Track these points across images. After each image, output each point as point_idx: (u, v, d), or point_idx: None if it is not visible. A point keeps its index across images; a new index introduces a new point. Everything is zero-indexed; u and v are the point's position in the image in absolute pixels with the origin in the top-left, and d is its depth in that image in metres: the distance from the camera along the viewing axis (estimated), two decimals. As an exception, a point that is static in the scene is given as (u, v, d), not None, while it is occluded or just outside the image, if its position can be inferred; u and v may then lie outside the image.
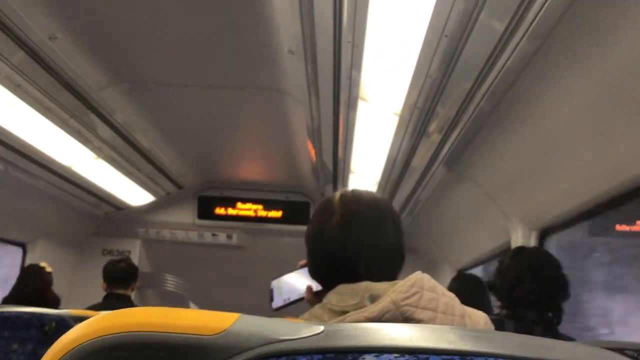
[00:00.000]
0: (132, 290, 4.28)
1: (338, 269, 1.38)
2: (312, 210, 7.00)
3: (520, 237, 3.65)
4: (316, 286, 1.49)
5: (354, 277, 1.35)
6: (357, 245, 1.38)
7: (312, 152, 5.25)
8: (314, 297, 1.48)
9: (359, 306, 1.29)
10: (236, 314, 0.70)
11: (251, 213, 7.00)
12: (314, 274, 1.47)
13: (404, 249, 1.45)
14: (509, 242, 3.81)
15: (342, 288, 1.35)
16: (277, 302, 1.65)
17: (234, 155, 6.18)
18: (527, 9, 2.18)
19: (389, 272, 1.39)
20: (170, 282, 7.34)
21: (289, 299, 1.64)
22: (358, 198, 1.45)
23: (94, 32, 3.55)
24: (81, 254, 6.87)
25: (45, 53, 3.44)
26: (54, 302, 3.93)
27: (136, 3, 3.28)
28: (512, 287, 2.47)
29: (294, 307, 1.63)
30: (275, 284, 1.68)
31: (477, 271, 5.05)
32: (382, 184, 4.93)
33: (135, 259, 6.92)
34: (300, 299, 1.59)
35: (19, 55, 3.37)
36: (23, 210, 5.41)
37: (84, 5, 3.28)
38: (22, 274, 4.22)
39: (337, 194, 1.47)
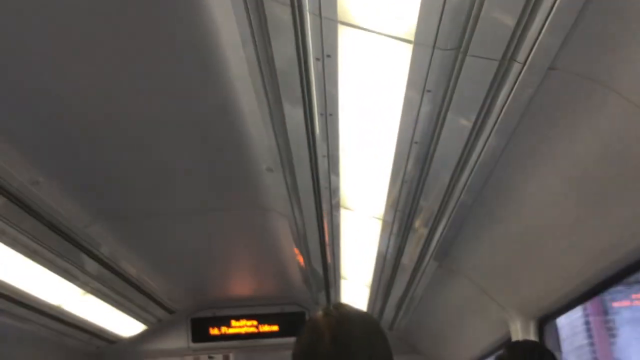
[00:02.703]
0: None
1: None
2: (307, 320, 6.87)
3: (520, 328, 3.60)
4: None
5: None
6: None
7: (302, 262, 5.23)
8: None
9: None
10: None
11: (246, 330, 6.85)
12: None
13: None
14: (508, 334, 3.76)
15: None
16: None
17: (224, 274, 6.14)
18: (490, 107, 2.27)
19: None
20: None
21: None
22: (345, 317, 1.43)
23: (75, 174, 3.61)
24: (77, 395, 6.61)
25: (27, 197, 3.48)
26: None
27: (114, 139, 3.36)
28: None
29: None
30: None
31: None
32: (375, 285, 4.90)
33: (132, 392, 6.68)
34: None
35: (1, 202, 3.40)
36: (13, 357, 5.25)
37: (63, 149, 3.36)
38: None
39: (321, 314, 1.45)
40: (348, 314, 1.44)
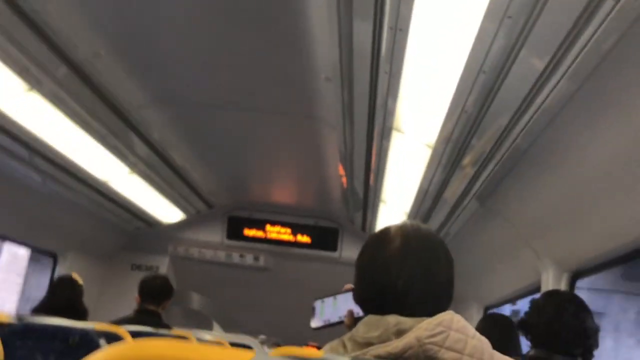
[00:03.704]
0: (163, 308, 4.29)
1: (385, 299, 1.36)
2: (340, 237, 6.98)
3: (551, 279, 3.57)
4: (357, 312, 1.49)
5: (399, 310, 1.33)
6: (409, 278, 1.37)
7: (344, 179, 5.25)
8: (353, 323, 1.47)
9: (382, 339, 1.27)
10: (251, 353, 0.69)
11: (280, 236, 7.00)
12: (358, 300, 1.45)
13: (453, 288, 1.43)
14: (538, 282, 3.74)
15: (370, 319, 1.33)
16: (317, 322, 1.66)
17: (265, 178, 6.21)
18: (568, 48, 2.16)
19: (435, 309, 1.37)
20: (196, 301, 7.36)
21: (328, 320, 1.65)
22: (417, 231, 1.44)
23: (136, 52, 3.63)
24: (110, 268, 6.95)
25: (88, 69, 3.53)
26: (83, 314, 3.96)
27: (177, 26, 3.35)
28: (548, 325, 2.43)
29: (332, 330, 1.63)
30: (318, 303, 1.69)
31: (505, 310, 4.95)
32: (412, 215, 4.90)
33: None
34: (340, 322, 1.59)
35: (63, 70, 3.46)
36: (57, 221, 5.50)
37: (128, 25, 3.36)
38: (54, 284, 4.26)
39: (397, 225, 1.47)
40: (420, 229, 1.45)
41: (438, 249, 1.44)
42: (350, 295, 1.52)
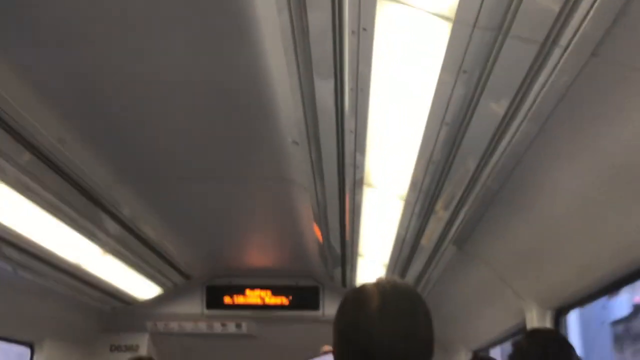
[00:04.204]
0: None
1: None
2: (321, 295, 6.91)
3: (535, 317, 3.58)
4: None
5: None
6: (392, 340, 1.36)
7: (320, 236, 5.24)
8: None
9: None
10: None
11: (260, 300, 6.91)
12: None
13: (433, 344, 1.43)
14: (523, 322, 3.74)
15: None
16: None
17: (242, 243, 6.17)
18: (526, 92, 2.22)
19: None
20: (180, 376, 7.17)
21: None
22: (394, 288, 1.44)
23: (102, 133, 3.63)
24: (89, 351, 6.75)
25: (53, 155, 3.50)
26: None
27: (142, 102, 3.36)
28: None
29: None
30: None
31: (496, 352, 4.93)
32: (392, 265, 4.89)
33: (143, 353, 6.79)
34: None
35: (27, 157, 3.43)
36: (30, 310, 5.35)
37: (91, 108, 3.37)
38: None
39: (373, 283, 1.46)
40: (395, 286, 1.46)
41: (417, 305, 1.44)
42: (328, 358, 1.50)
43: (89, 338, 6.76)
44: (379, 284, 1.45)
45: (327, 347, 1.57)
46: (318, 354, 1.64)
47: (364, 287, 1.47)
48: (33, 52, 2.85)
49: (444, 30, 1.89)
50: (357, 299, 1.45)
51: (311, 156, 3.59)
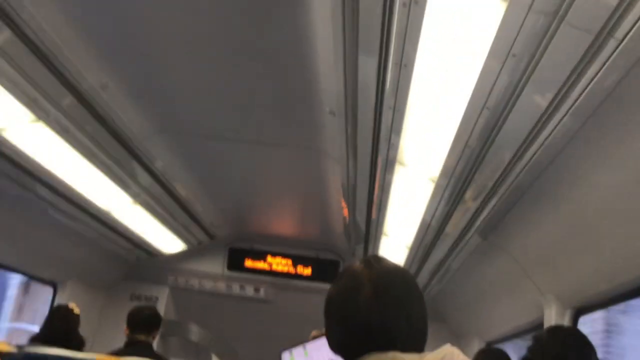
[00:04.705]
0: (154, 338, 4.25)
1: (365, 341, 1.37)
2: (341, 269, 6.93)
3: (554, 315, 3.54)
4: (331, 358, 1.46)
5: (381, 349, 1.34)
6: (391, 321, 1.37)
7: (346, 212, 5.24)
8: None
9: None
10: None
11: (281, 268, 6.97)
12: (335, 346, 1.44)
13: (427, 321, 1.44)
14: (541, 319, 3.71)
15: (372, 358, 1.33)
16: None
17: (267, 210, 6.21)
18: (572, 86, 2.18)
19: (417, 345, 1.38)
20: (195, 332, 7.29)
21: None
22: (386, 271, 1.43)
23: (143, 83, 3.66)
24: (110, 297, 6.90)
25: (94, 100, 3.56)
26: (79, 344, 3.93)
27: (185, 58, 3.38)
28: None
29: None
30: (286, 355, 1.64)
31: (508, 346, 4.91)
32: (414, 248, 4.88)
33: (162, 306, 6.92)
34: None
35: (69, 101, 3.48)
36: (57, 250, 5.49)
37: (135, 57, 3.40)
38: (50, 314, 4.23)
39: (361, 265, 1.44)
40: (388, 268, 1.44)
41: (410, 285, 1.44)
42: (320, 342, 1.48)
43: (111, 284, 6.91)
44: (368, 264, 1.44)
45: (315, 332, 1.56)
46: (307, 341, 1.63)
47: (352, 269, 1.45)
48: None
49: (498, 11, 1.86)
50: (350, 280, 1.44)
51: (347, 129, 3.58)
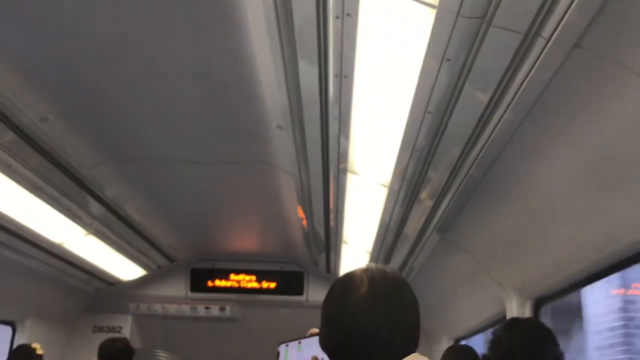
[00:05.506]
0: None
1: (354, 346, 1.37)
2: (306, 280, 6.93)
3: (515, 307, 3.60)
4: (322, 358, 1.48)
5: (369, 355, 1.35)
6: (378, 325, 1.37)
7: (304, 222, 5.24)
8: None
9: None
10: None
11: (245, 284, 6.92)
12: (326, 347, 1.45)
13: (419, 331, 1.44)
14: (503, 312, 3.77)
15: None
16: None
17: (226, 227, 6.16)
18: (509, 81, 2.22)
19: (403, 352, 1.38)
20: (163, 358, 7.16)
21: None
22: (383, 275, 1.44)
23: (85, 113, 3.60)
24: (72, 331, 6.73)
25: (36, 134, 3.48)
26: (43, 385, 3.83)
27: (126, 84, 3.33)
28: (509, 358, 2.43)
29: None
30: (282, 348, 1.68)
31: (478, 339, 4.96)
32: (375, 252, 4.91)
33: (126, 334, 6.78)
34: None
35: (10, 137, 3.40)
36: (13, 289, 5.33)
37: (75, 87, 3.33)
38: (11, 355, 4.12)
39: (362, 268, 1.47)
40: (384, 272, 1.46)
41: (405, 292, 1.45)
42: (314, 340, 1.51)
43: (72, 318, 6.74)
44: (368, 270, 1.45)
45: (314, 330, 1.58)
46: (304, 337, 1.66)
47: (353, 273, 1.47)
48: (17, 32, 2.81)
49: (429, 17, 1.88)
50: (345, 284, 1.46)
51: (295, 141, 3.58)
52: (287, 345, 1.68)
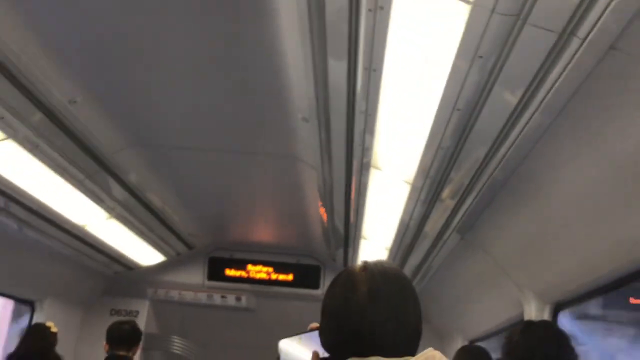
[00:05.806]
0: (134, 353, 4.20)
1: (355, 343, 1.36)
2: (322, 274, 6.94)
3: (534, 310, 3.57)
4: (322, 352, 1.47)
5: (369, 352, 1.33)
6: (381, 325, 1.36)
7: (324, 217, 5.24)
8: None
9: None
10: None
11: (262, 275, 6.95)
12: (326, 344, 1.43)
13: (421, 328, 1.43)
14: (521, 315, 3.74)
15: None
16: None
17: (246, 218, 6.18)
18: (540, 83, 2.20)
19: (405, 350, 1.37)
20: (177, 344, 7.23)
21: None
22: (383, 273, 1.43)
23: (112, 97, 3.63)
24: (89, 314, 6.82)
25: (64, 116, 3.51)
26: (55, 363, 3.88)
27: (154, 70, 3.36)
28: None
29: None
30: (283, 344, 1.68)
31: (494, 342, 4.93)
32: (394, 250, 4.89)
33: (143, 319, 6.85)
34: None
35: (38, 117, 3.44)
36: (34, 268, 5.40)
37: (104, 71, 3.36)
38: (27, 333, 4.18)
39: (361, 266, 1.45)
40: (384, 270, 1.44)
41: (406, 289, 1.43)
42: (314, 334, 1.50)
43: (90, 301, 6.82)
44: (367, 266, 1.44)
45: (314, 324, 1.57)
46: (304, 331, 1.65)
47: (352, 270, 1.45)
48: (50, 13, 2.84)
49: (463, 13, 1.86)
50: (346, 281, 1.44)
51: (320, 135, 3.57)
52: (287, 342, 1.68)
